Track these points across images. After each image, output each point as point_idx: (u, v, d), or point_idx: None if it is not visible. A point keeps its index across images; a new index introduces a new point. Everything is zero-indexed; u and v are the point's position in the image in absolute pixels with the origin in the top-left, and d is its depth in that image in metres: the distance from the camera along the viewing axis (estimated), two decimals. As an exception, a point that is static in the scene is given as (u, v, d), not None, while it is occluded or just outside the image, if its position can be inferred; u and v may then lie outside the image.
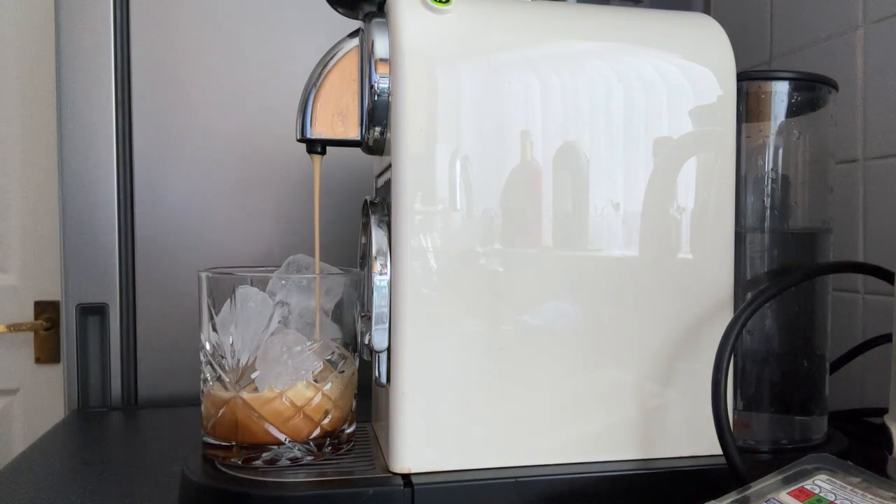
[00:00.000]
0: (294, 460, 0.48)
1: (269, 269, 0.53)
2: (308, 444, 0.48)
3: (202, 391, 0.50)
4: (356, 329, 0.52)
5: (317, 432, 0.49)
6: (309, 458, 0.48)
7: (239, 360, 0.48)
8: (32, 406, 1.20)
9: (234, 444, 0.48)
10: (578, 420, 0.49)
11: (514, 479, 0.46)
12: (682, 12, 0.54)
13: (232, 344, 0.48)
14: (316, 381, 0.49)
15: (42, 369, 1.21)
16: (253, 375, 0.48)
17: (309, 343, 0.49)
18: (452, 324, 0.47)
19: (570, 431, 0.49)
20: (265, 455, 0.48)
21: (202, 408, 0.50)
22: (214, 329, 0.48)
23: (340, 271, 0.52)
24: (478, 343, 0.47)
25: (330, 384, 0.49)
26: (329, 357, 0.50)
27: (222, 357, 0.48)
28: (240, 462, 0.48)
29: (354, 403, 0.52)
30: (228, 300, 0.48)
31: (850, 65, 0.70)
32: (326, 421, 0.49)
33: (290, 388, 0.48)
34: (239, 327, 0.48)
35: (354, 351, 0.52)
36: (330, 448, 0.50)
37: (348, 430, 0.52)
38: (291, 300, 0.48)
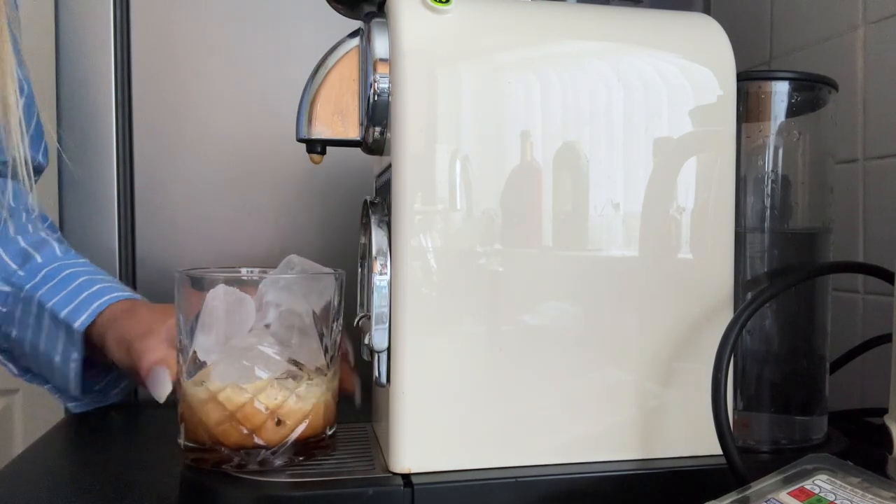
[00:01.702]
0: (264, 464, 0.47)
1: (251, 270, 0.52)
2: (281, 448, 0.47)
3: (177, 391, 0.49)
4: (340, 332, 0.51)
5: (292, 437, 0.47)
6: (280, 462, 0.47)
7: (206, 361, 0.47)
8: (32, 406, 1.20)
9: (206, 446, 0.47)
10: (578, 420, 0.49)
11: (514, 479, 0.46)
12: (682, 12, 0.54)
13: (199, 343, 0.47)
14: (292, 381, 0.47)
15: (42, 369, 1.20)
16: (212, 373, 0.47)
17: (269, 342, 0.47)
18: (452, 324, 0.47)
19: (570, 431, 0.49)
20: (236, 459, 0.46)
21: (178, 408, 0.49)
22: (188, 328, 0.47)
23: (331, 271, 0.51)
24: (478, 343, 0.47)
25: (305, 387, 0.48)
26: (296, 360, 0.48)
27: (194, 356, 0.47)
28: (209, 467, 0.47)
29: (334, 408, 0.51)
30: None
31: (850, 65, 0.70)
32: (303, 427, 0.47)
33: (262, 392, 0.46)
34: (205, 327, 0.47)
35: (334, 355, 0.50)
36: (304, 455, 0.48)
37: (328, 436, 0.50)
38: (276, 300, 0.48)
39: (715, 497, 0.37)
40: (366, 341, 0.48)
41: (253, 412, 0.46)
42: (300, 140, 0.50)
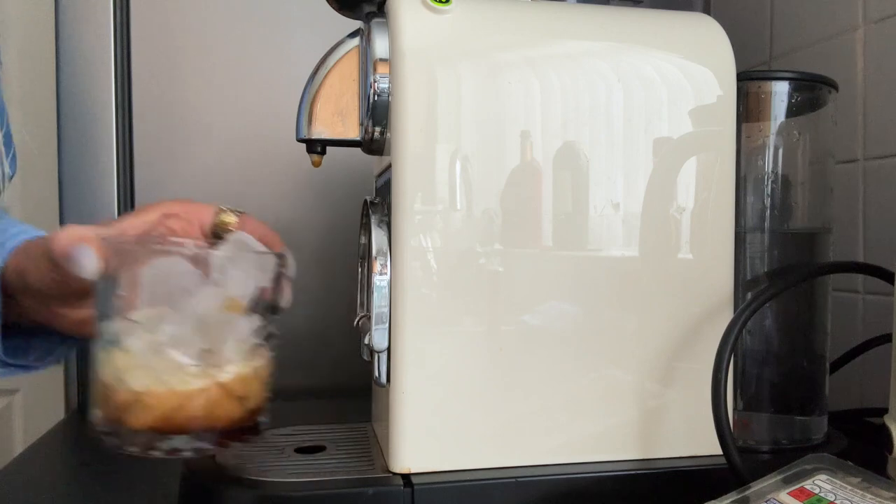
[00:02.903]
0: (197, 451, 0.41)
1: (195, 242, 0.47)
2: (209, 434, 0.41)
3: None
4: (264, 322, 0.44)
5: (224, 422, 0.41)
6: (208, 447, 0.41)
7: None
8: (32, 406, 1.20)
9: (126, 428, 0.41)
10: (578, 420, 0.49)
11: (514, 479, 0.46)
12: (682, 12, 0.54)
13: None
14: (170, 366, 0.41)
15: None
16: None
17: (171, 319, 0.41)
18: (452, 324, 0.47)
19: (570, 431, 0.49)
20: (163, 445, 0.41)
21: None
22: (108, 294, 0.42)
23: (271, 253, 0.46)
24: (478, 343, 0.47)
25: (176, 375, 0.41)
26: (205, 346, 0.42)
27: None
28: (137, 452, 0.41)
29: (229, 406, 0.43)
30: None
31: (850, 65, 0.69)
32: (171, 415, 0.41)
33: (128, 371, 0.40)
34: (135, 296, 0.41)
35: (267, 340, 0.44)
36: (237, 440, 0.43)
37: (258, 423, 0.44)
38: (217, 277, 0.42)
39: (715, 497, 0.37)
40: (366, 341, 0.48)
41: (115, 390, 0.41)
42: (300, 140, 0.50)
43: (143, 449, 0.41)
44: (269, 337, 0.45)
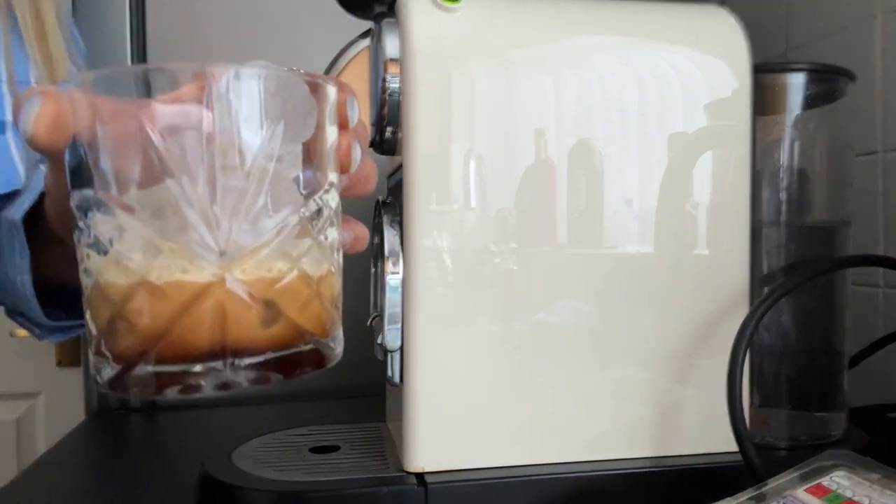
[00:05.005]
0: (223, 386, 0.28)
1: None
2: (241, 359, 0.28)
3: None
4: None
5: (249, 342, 0.28)
6: (246, 382, 0.28)
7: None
8: (54, 409, 1.22)
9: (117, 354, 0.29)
10: (593, 418, 0.49)
11: (528, 478, 0.46)
12: (695, 5, 0.53)
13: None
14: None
15: (63, 373, 1.22)
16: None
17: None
18: (466, 323, 0.47)
19: (585, 429, 0.49)
20: (175, 377, 0.28)
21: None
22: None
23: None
24: (492, 342, 0.47)
25: (246, 265, 0.27)
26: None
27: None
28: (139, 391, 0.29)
29: (325, 313, 0.32)
30: None
31: (868, 55, 0.69)
32: (276, 326, 0.28)
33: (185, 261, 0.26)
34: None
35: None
36: (290, 372, 0.29)
37: (320, 349, 0.31)
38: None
39: (731, 494, 0.36)
40: (379, 341, 0.48)
41: (96, 305, 0.29)
42: (312, 140, 0.50)
43: (145, 386, 0.28)
44: (322, 220, 0.30)
